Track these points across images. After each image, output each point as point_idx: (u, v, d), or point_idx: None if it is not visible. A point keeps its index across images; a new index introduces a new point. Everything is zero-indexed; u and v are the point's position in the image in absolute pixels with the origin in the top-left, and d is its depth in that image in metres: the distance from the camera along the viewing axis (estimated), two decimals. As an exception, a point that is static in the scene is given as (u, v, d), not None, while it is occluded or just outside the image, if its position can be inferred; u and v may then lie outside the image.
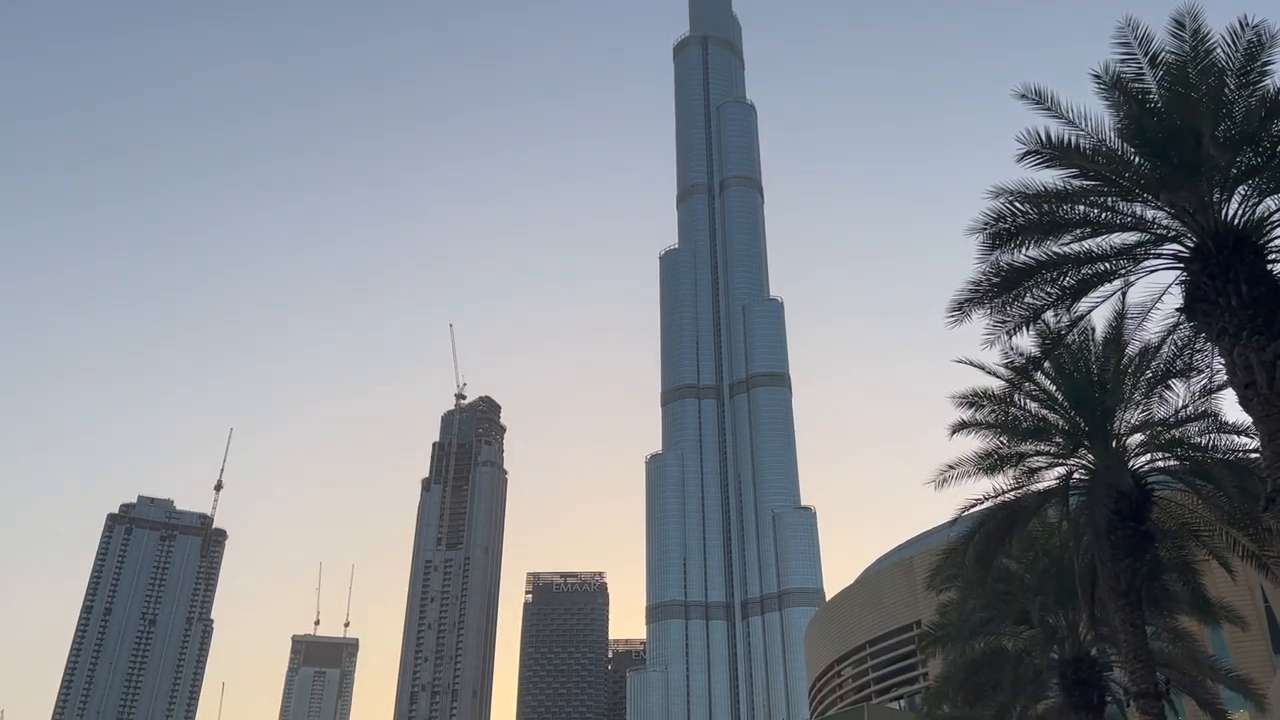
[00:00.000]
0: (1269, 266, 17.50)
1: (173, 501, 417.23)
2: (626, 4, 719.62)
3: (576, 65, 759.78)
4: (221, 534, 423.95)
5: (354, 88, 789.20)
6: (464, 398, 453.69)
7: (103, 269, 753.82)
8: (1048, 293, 19.85)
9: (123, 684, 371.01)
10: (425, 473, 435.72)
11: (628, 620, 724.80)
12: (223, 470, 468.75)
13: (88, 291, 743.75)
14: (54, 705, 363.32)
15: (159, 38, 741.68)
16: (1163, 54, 17.86)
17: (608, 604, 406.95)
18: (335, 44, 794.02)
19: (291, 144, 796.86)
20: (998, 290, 19.62)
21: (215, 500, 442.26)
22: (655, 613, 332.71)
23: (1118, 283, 19.96)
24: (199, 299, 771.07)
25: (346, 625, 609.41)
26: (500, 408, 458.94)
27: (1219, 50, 17.46)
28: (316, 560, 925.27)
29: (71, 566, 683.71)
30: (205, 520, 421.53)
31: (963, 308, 19.87)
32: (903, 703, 68.89)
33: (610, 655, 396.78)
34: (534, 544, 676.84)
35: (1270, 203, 17.58)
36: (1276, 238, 17.83)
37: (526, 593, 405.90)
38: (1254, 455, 22.30)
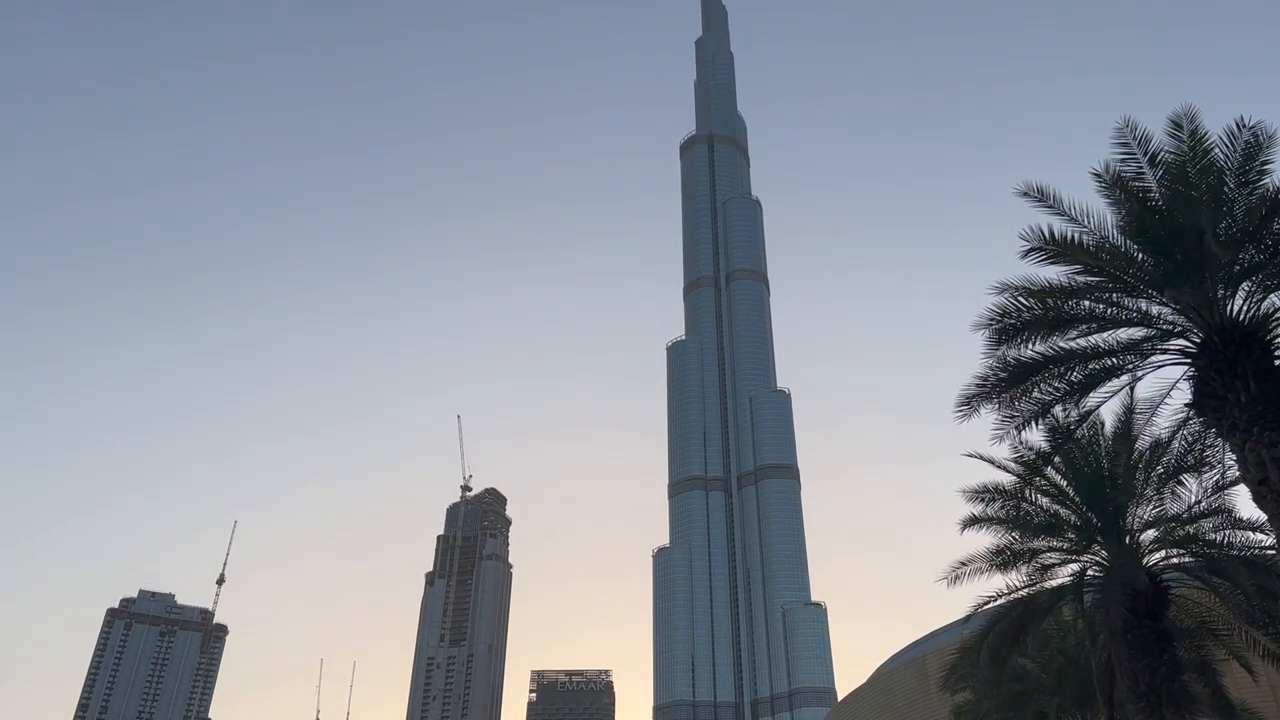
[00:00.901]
0: (1276, 362, 17.51)
1: (174, 596, 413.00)
2: (634, 103, 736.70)
3: (584, 161, 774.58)
4: (222, 629, 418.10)
5: (367, 179, 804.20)
6: (469, 489, 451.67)
7: (103, 357, 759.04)
8: (1055, 387, 19.84)
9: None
10: (429, 566, 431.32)
11: (634, 718, 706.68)
12: (225, 564, 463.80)
13: (88, 379, 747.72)
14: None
15: (160, 139, 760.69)
16: (1162, 153, 18.17)
17: (614, 704, 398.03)
18: (347, 143, 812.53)
19: (297, 234, 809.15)
20: (1005, 385, 19.64)
21: (217, 594, 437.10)
22: (662, 713, 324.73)
23: (1125, 377, 19.97)
24: (202, 389, 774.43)
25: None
26: (506, 500, 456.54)
27: (1217, 150, 17.77)
28: (317, 656, 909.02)
29: (70, 662, 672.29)
30: (206, 615, 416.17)
31: (971, 403, 19.86)
32: (918, 809, 66.60)
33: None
34: (539, 639, 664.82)
35: (1275, 299, 17.68)
36: (1283, 333, 17.88)
37: (531, 691, 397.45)
38: (1270, 551, 22.00)
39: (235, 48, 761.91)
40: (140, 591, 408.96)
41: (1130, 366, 19.67)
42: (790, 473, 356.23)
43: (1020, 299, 19.04)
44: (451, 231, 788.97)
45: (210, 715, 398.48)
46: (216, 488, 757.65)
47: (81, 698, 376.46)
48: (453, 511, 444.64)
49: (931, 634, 76.66)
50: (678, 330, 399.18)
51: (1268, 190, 17.48)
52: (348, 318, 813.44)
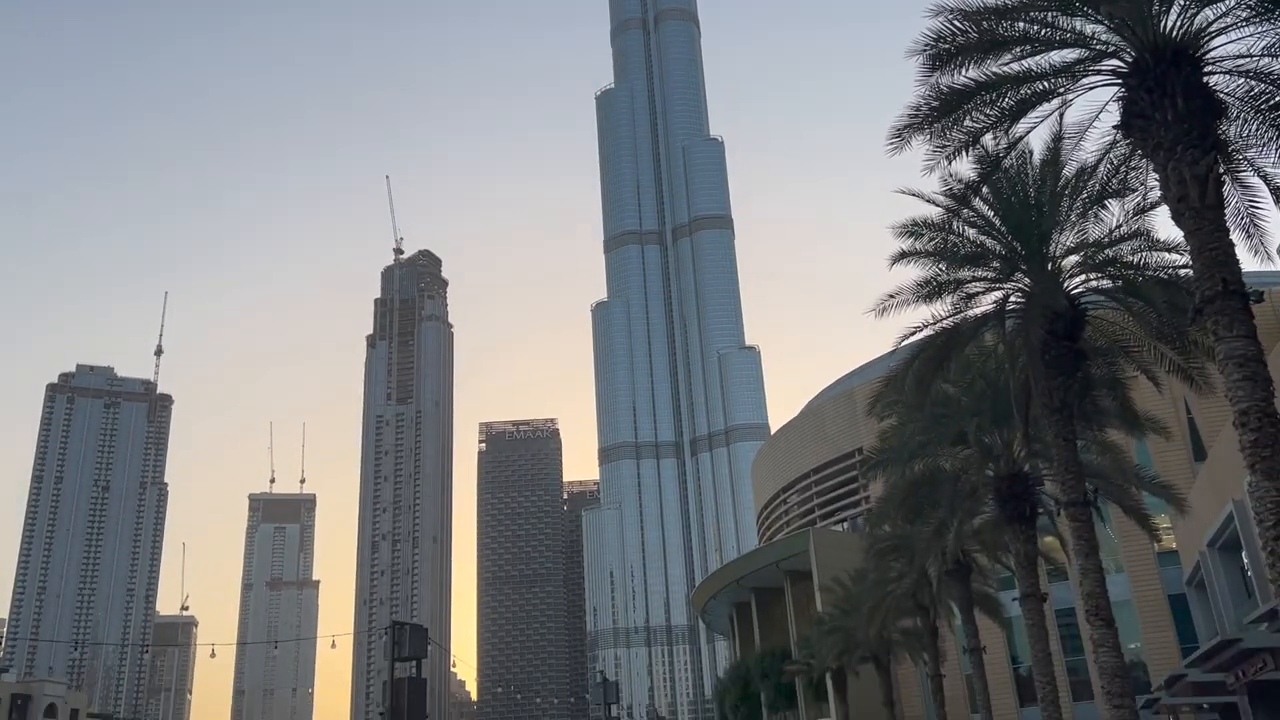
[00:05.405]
0: (1205, 79, 17.43)
1: (113, 369, 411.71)
2: None
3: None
4: (167, 399, 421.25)
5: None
6: (402, 252, 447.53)
7: (22, 127, 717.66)
8: (987, 114, 19.64)
9: (82, 548, 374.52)
10: (369, 329, 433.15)
11: (581, 462, 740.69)
12: (161, 335, 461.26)
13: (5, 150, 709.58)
14: (14, 573, 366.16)
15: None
16: None
17: (560, 448, 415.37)
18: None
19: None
20: (937, 114, 19.36)
21: (157, 365, 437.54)
22: (607, 454, 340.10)
23: (1056, 102, 19.80)
24: (123, 155, 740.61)
25: (302, 482, 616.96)
26: (441, 261, 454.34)
27: None
28: (266, 420, 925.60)
29: (15, 440, 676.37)
30: (149, 386, 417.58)
31: (902, 134, 19.62)
32: (846, 525, 71.95)
33: (565, 496, 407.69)
34: (486, 394, 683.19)
35: (1209, 13, 17.37)
36: (1214, 49, 17.70)
37: (480, 442, 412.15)
38: (1183, 270, 22.81)
39: None
40: (78, 365, 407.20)
41: (1062, 90, 19.46)
42: (724, 222, 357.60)
43: (955, 22, 18.48)
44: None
45: (166, 481, 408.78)
46: (145, 259, 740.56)
47: (34, 470, 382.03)
48: (388, 274, 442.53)
49: (860, 368, 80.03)
50: (607, 77, 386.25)
51: (1207, -102, 16.80)
52: (269, 80, 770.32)
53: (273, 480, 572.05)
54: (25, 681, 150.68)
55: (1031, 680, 39.36)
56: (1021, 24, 18.75)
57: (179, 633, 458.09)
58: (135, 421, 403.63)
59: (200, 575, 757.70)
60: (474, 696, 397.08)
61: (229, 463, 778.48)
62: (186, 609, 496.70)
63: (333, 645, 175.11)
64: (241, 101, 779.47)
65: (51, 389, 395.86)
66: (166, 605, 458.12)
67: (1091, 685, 48.15)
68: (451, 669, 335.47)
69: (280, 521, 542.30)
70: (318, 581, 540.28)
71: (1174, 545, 48.38)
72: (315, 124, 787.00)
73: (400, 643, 20.21)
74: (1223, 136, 17.56)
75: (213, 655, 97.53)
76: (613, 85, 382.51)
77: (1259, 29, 17.29)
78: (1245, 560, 35.54)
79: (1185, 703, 38.14)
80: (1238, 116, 18.10)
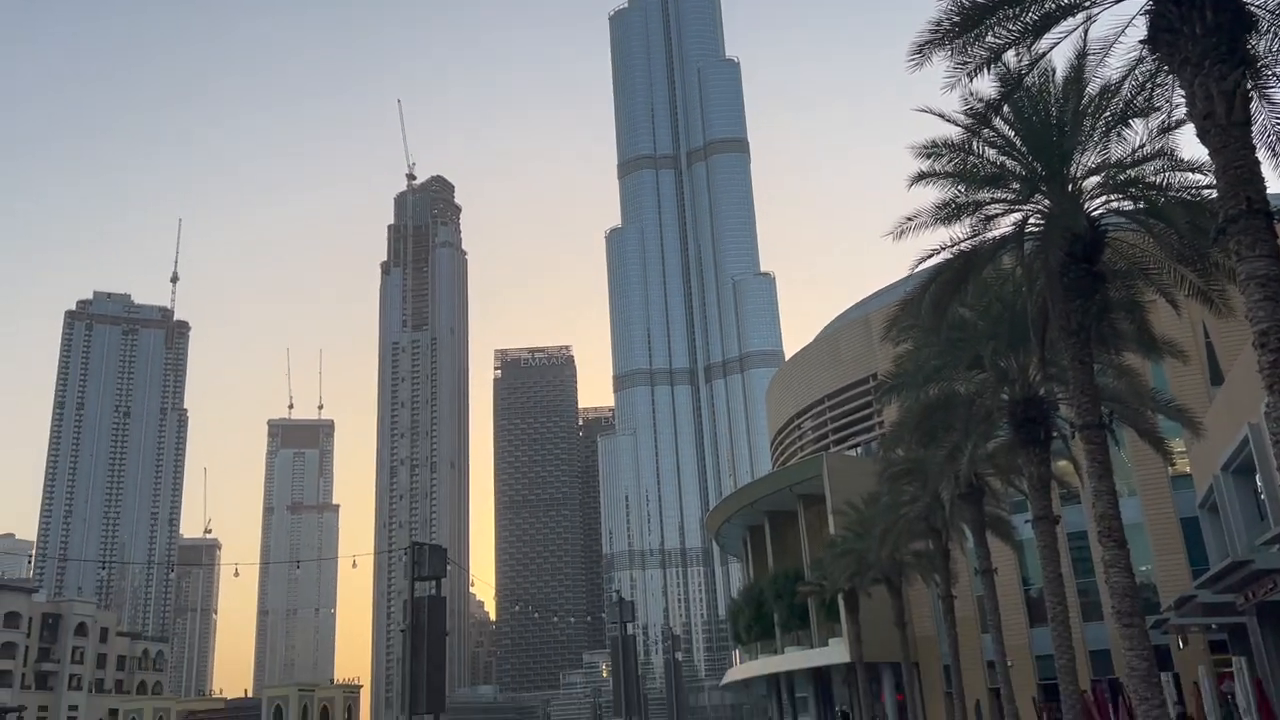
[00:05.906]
0: (1236, -10, 16.92)
1: (130, 296, 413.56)
2: None
3: None
4: (184, 325, 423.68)
5: None
6: (414, 178, 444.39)
7: (36, 57, 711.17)
8: (1009, 30, 19.14)
9: (106, 473, 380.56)
10: (383, 256, 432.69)
11: (596, 388, 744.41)
12: (176, 262, 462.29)
13: (18, 79, 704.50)
14: (40, 499, 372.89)
15: None
16: None
17: (575, 375, 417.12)
18: None
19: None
20: (959, 29, 18.88)
21: (173, 292, 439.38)
22: (622, 381, 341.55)
23: (1081, 17, 19.29)
24: (138, 83, 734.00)
25: (320, 407, 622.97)
26: (454, 187, 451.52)
27: None
28: (283, 347, 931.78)
29: (36, 366, 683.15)
30: (166, 313, 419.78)
31: (923, 50, 19.16)
32: (859, 450, 72.30)
33: (581, 423, 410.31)
34: (500, 320, 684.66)
35: (1243, -80, 16.77)
36: (1246, -41, 17.13)
37: (495, 368, 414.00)
38: (1206, 191, 22.42)
39: None
40: (95, 293, 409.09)
41: (1087, 4, 18.92)
42: (740, 146, 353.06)
43: (979, -67, 17.97)
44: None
45: (185, 406, 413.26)
46: (158, 188, 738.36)
47: (56, 396, 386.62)
48: (400, 201, 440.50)
49: (875, 294, 79.61)
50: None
51: None
52: (281, 5, 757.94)
53: (291, 406, 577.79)
54: (56, 601, 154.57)
55: (1042, 601, 39.88)
56: (1048, -66, 18.20)
57: (203, 554, 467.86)
58: (153, 348, 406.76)
59: (222, 500, 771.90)
60: (492, 616, 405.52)
61: (247, 389, 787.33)
62: (209, 532, 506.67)
63: (354, 565, 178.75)
64: (253, 27, 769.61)
65: (70, 316, 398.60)
66: (189, 529, 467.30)
67: (1101, 606, 48.74)
68: (470, 589, 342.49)
69: (299, 446, 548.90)
70: (337, 505, 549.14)
71: (1188, 469, 48.49)
72: (327, 49, 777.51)
73: (420, 562, 20.52)
74: (1252, 51, 17.08)
75: (236, 575, 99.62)
76: (625, 4, 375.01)
77: (1294, -63, 16.72)
78: (1259, 483, 35.60)
79: (1194, 623, 38.63)
80: (1268, 30, 17.58)
